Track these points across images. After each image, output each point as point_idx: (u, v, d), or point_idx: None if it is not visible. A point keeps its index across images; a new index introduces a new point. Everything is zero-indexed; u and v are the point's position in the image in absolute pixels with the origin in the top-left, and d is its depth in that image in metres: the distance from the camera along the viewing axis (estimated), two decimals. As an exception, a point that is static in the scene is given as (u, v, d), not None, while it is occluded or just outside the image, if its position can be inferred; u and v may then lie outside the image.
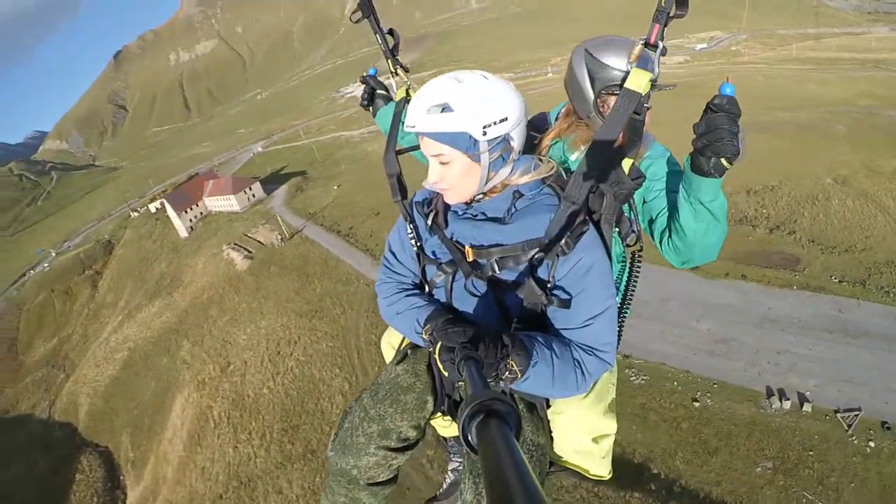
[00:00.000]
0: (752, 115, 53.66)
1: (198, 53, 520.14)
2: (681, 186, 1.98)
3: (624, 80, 1.98)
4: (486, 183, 1.88)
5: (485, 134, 1.76)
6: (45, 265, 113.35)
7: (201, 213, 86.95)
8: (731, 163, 1.77)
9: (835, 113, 53.66)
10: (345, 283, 47.85)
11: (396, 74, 2.67)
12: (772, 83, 77.58)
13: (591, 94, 2.19)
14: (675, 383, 24.55)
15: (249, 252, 61.39)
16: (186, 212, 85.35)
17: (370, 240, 55.24)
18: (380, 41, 2.68)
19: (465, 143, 1.78)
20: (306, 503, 28.20)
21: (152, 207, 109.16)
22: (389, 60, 2.68)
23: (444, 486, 2.72)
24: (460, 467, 2.61)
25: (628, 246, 2.15)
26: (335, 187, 76.78)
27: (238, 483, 31.98)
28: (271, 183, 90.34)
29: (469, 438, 0.92)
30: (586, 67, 2.17)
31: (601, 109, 2.21)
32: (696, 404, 23.24)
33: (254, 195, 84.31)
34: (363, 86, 2.96)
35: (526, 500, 0.66)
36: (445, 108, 1.75)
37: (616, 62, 2.11)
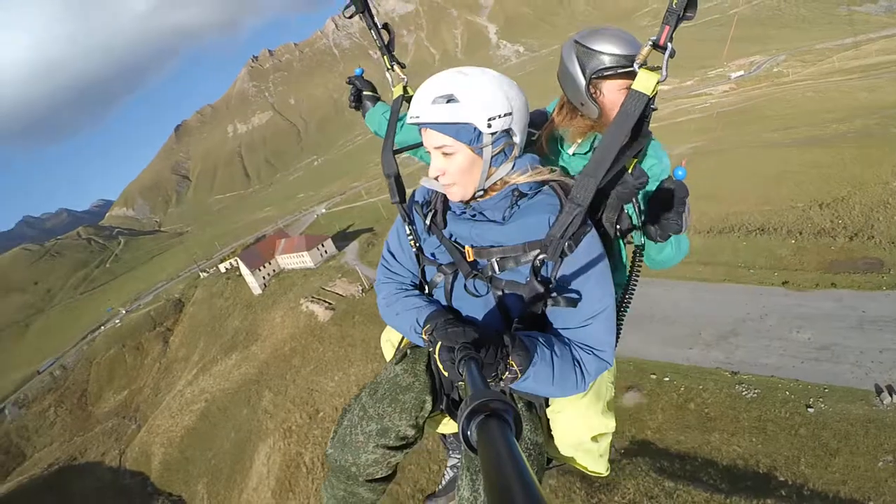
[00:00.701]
0: (809, 130, 53.80)
1: (254, 125, 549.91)
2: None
3: (613, 63, 2.18)
4: (487, 179, 1.88)
5: (489, 126, 1.76)
6: (117, 321, 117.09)
7: (274, 271, 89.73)
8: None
9: (889, 117, 52.55)
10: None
11: (392, 70, 2.67)
12: (823, 97, 75.97)
13: (582, 81, 2.24)
14: (787, 392, 24.32)
15: (330, 304, 62.26)
16: (259, 269, 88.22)
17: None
18: (375, 36, 2.64)
19: (469, 135, 1.77)
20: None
21: (222, 267, 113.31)
22: (385, 56, 2.67)
23: (443, 482, 2.76)
24: (459, 464, 2.56)
25: (629, 244, 2.21)
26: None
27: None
28: (341, 240, 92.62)
29: (469, 437, 0.93)
30: (576, 56, 2.22)
31: (593, 94, 2.28)
32: (811, 410, 23.11)
33: (326, 251, 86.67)
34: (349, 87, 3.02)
35: (525, 499, 0.66)
36: (451, 99, 1.75)
37: (604, 47, 2.18)
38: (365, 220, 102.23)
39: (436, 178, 1.87)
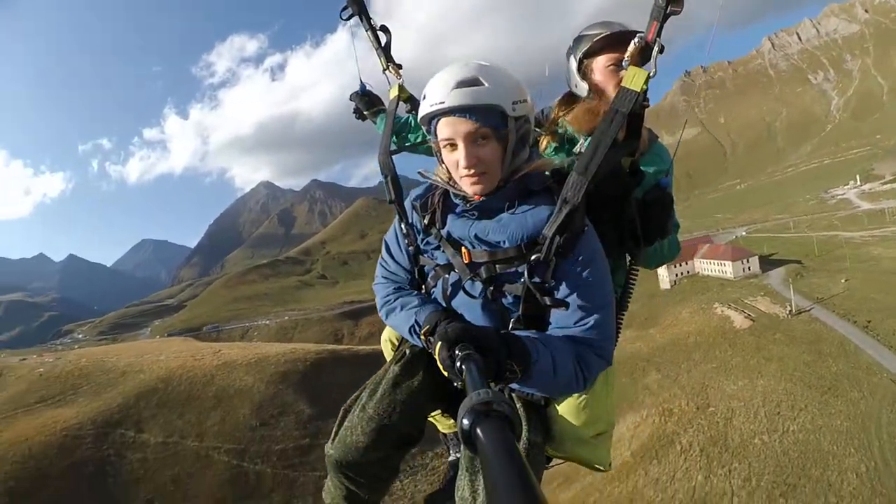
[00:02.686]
0: None
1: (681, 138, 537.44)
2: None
3: (597, 41, 2.25)
4: (507, 166, 1.81)
5: (514, 110, 1.72)
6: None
7: (688, 272, 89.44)
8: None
9: None
10: (865, 370, 42.73)
11: (389, 70, 2.63)
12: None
13: (573, 64, 2.36)
14: None
15: (749, 315, 59.21)
16: (674, 266, 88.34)
17: (894, 338, 47.92)
18: (371, 38, 2.64)
19: (496, 119, 1.71)
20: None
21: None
22: (382, 58, 2.64)
23: (444, 481, 2.72)
24: (459, 463, 2.25)
25: (625, 244, 2.14)
26: (843, 280, 68.42)
27: (704, 508, 30.79)
28: (765, 264, 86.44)
29: (468, 437, 0.92)
30: (570, 45, 2.39)
31: (586, 73, 2.35)
32: None
33: (749, 268, 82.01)
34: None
35: (525, 499, 0.67)
36: (476, 83, 1.68)
37: (590, 31, 2.29)
38: (791, 251, 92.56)
39: (469, 170, 1.75)
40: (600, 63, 2.33)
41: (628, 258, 2.28)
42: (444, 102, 1.69)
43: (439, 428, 2.63)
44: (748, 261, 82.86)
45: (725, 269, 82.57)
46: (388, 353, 2.47)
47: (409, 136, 2.86)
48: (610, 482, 35.89)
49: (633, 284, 2.29)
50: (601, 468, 2.11)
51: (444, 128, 1.75)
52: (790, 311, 58.28)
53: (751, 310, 61.21)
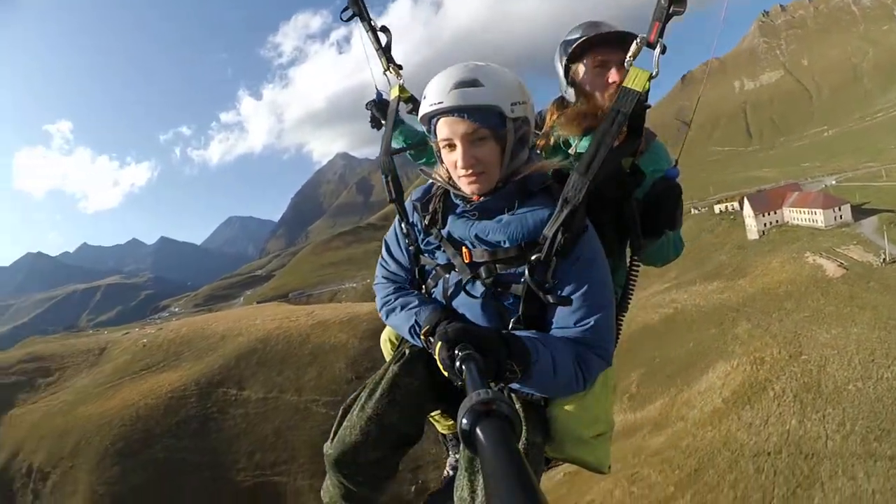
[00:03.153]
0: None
1: (762, 83, 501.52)
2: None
3: (579, 45, 2.26)
4: (506, 167, 1.83)
5: (512, 111, 1.73)
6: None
7: (776, 221, 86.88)
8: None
9: None
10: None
11: (389, 71, 2.61)
12: None
13: (560, 70, 2.37)
14: None
15: (842, 264, 57.71)
16: (762, 215, 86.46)
17: None
18: (372, 39, 2.61)
19: (495, 120, 1.72)
20: (882, 499, 25.29)
21: (717, 208, 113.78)
22: (383, 58, 2.61)
23: (444, 482, 2.65)
24: (457, 463, 2.41)
25: (627, 245, 2.18)
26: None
27: (797, 451, 30.93)
28: (856, 213, 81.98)
29: (468, 437, 0.92)
30: (556, 51, 2.40)
31: (573, 77, 2.37)
32: None
33: (841, 216, 78.61)
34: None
35: (525, 499, 0.67)
36: (475, 83, 1.69)
37: (572, 35, 2.30)
38: (883, 200, 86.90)
39: (467, 170, 1.78)
40: (584, 67, 2.37)
41: (629, 258, 2.30)
42: (442, 102, 1.73)
43: (438, 429, 2.65)
44: (840, 209, 79.44)
45: (816, 217, 79.64)
46: (388, 353, 2.50)
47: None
48: (702, 427, 36.68)
49: (633, 284, 2.29)
50: (601, 470, 2.13)
51: (443, 128, 1.78)
52: (884, 259, 56.62)
53: (843, 258, 59.51)
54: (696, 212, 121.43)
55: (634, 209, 2.08)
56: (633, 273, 2.27)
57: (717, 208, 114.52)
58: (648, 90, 1.83)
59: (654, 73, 1.79)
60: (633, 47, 1.81)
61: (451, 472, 2.69)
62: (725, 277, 66.66)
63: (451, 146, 1.79)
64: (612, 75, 2.24)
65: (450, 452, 2.78)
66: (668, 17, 1.75)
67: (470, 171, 1.78)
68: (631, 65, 1.83)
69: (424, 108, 1.80)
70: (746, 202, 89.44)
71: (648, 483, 31.78)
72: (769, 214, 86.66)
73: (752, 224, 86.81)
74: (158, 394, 61.79)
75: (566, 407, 1.99)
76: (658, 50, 1.79)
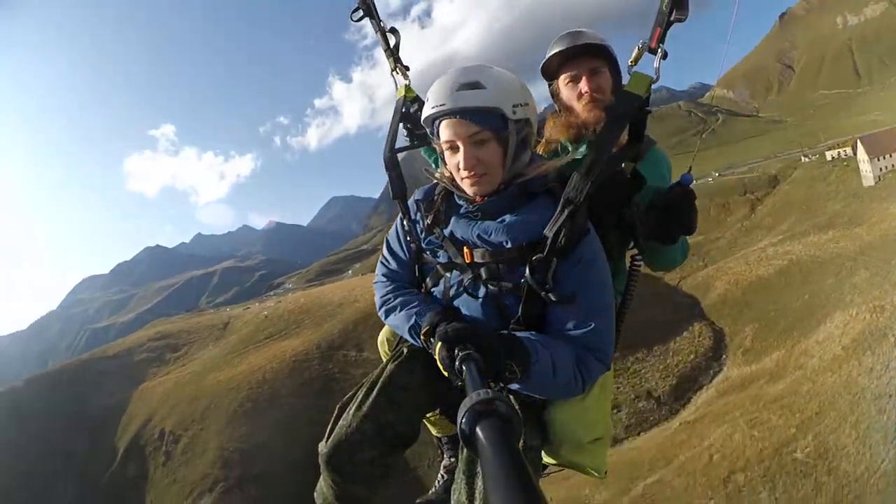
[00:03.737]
0: None
1: (866, 16, 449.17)
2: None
3: (551, 63, 2.34)
4: (509, 169, 1.84)
5: (514, 113, 1.74)
6: (710, 179, 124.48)
7: (893, 166, 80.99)
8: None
9: None
10: None
11: (396, 71, 2.60)
12: None
13: (548, 87, 2.46)
14: None
15: None
16: (878, 160, 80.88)
17: None
18: (381, 39, 2.59)
19: (497, 121, 1.73)
20: None
21: (828, 155, 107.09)
22: (391, 59, 2.59)
23: (437, 484, 2.62)
24: (452, 466, 2.46)
25: (627, 249, 2.21)
26: None
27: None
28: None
29: (468, 438, 0.90)
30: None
31: (554, 93, 2.44)
32: None
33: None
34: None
35: (525, 499, 0.66)
36: (477, 86, 1.71)
37: (551, 49, 2.34)
38: None
39: (469, 171, 1.80)
40: (561, 81, 2.40)
41: (628, 263, 2.30)
42: (444, 105, 1.74)
43: (433, 431, 2.63)
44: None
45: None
46: (385, 354, 2.50)
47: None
48: (822, 374, 37.04)
49: (633, 289, 2.29)
50: (596, 474, 2.10)
51: (445, 130, 1.79)
52: None
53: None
54: (807, 160, 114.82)
55: (635, 214, 2.08)
56: (633, 278, 2.31)
57: (828, 155, 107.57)
58: (650, 96, 1.83)
59: (655, 79, 1.80)
60: (635, 52, 1.84)
61: (445, 476, 2.64)
62: (841, 226, 64.04)
63: (454, 148, 1.81)
64: (583, 85, 2.30)
65: (444, 455, 2.72)
66: (670, 24, 1.75)
67: (472, 172, 1.79)
68: (632, 70, 1.85)
69: (427, 111, 1.81)
70: (860, 146, 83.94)
71: (769, 426, 32.75)
72: (885, 158, 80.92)
73: (866, 169, 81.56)
74: (282, 358, 67.20)
75: (565, 410, 1.98)
76: (659, 55, 1.79)
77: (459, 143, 1.78)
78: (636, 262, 2.32)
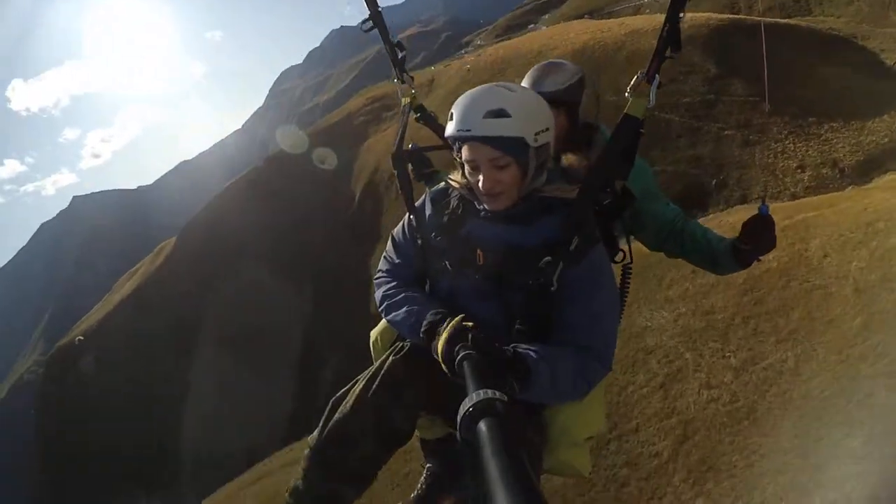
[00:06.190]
0: None
1: None
2: (703, 249, 2.36)
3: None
4: (525, 188, 1.88)
5: (536, 141, 1.76)
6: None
7: None
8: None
9: None
10: None
11: (403, 82, 2.64)
12: None
13: None
14: None
15: None
16: None
17: None
18: (388, 51, 2.68)
19: (519, 149, 1.76)
20: None
21: None
22: (396, 69, 2.64)
23: (419, 489, 2.59)
24: (436, 470, 2.52)
25: (615, 263, 2.23)
26: None
27: None
28: None
29: (468, 438, 0.92)
30: None
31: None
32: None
33: None
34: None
35: (526, 499, 0.67)
36: (502, 114, 1.71)
37: (525, 80, 2.52)
38: None
39: (487, 192, 1.82)
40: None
41: (620, 273, 2.30)
42: (470, 131, 1.73)
43: (420, 434, 2.48)
44: None
45: None
46: (376, 356, 2.35)
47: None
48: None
49: (625, 298, 2.31)
50: (583, 475, 2.11)
51: (468, 151, 1.79)
52: None
53: None
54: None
55: (623, 228, 2.26)
56: (626, 282, 2.32)
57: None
58: (645, 119, 1.92)
59: (650, 104, 1.87)
60: (634, 80, 1.90)
61: (428, 479, 2.58)
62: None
63: (476, 168, 1.82)
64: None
65: (428, 460, 2.62)
66: (663, 59, 1.86)
67: (490, 192, 1.82)
68: (631, 95, 1.90)
69: (451, 130, 1.80)
70: None
71: None
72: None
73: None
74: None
75: (563, 409, 1.98)
76: (655, 84, 1.87)
77: (481, 165, 1.80)
78: (628, 272, 2.34)
